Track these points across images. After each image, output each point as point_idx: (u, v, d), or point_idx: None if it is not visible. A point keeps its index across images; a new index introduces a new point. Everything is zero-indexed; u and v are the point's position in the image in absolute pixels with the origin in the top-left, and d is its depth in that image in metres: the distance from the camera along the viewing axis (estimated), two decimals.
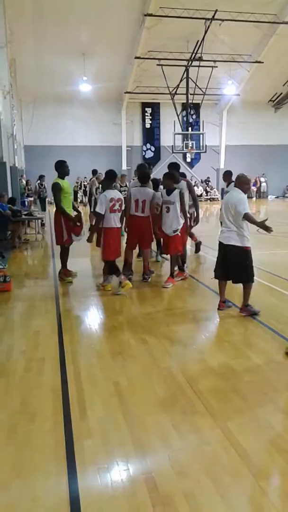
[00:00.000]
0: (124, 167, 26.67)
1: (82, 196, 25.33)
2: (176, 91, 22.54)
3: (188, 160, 28.03)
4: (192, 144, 22.95)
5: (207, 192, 27.73)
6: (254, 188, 27.95)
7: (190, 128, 24.16)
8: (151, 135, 28.23)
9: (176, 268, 6.96)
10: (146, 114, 28.02)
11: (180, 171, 7.60)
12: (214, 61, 21.08)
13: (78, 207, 8.41)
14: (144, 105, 27.69)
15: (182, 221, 6.60)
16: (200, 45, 19.71)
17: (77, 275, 7.33)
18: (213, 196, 27.23)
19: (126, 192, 8.79)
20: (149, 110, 27.93)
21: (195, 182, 27.01)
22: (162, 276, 7.22)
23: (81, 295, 6.48)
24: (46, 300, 6.15)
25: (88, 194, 12.66)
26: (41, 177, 14.90)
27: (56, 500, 2.39)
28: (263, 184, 29.27)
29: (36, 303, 6.04)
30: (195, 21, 18.26)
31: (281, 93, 27.64)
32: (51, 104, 25.56)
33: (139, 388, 3.58)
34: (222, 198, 9.35)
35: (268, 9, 18.58)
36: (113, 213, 6.31)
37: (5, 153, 12.95)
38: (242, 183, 5.26)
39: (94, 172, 12.32)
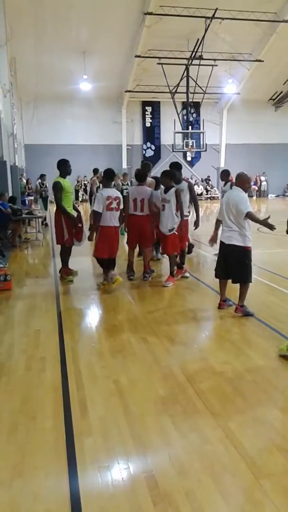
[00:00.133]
0: (125, 165, 26.65)
1: (83, 195, 25.32)
2: (176, 90, 22.52)
3: (189, 159, 27.99)
4: (193, 143, 22.94)
5: (207, 191, 27.72)
6: (254, 187, 27.93)
7: (190, 127, 24.13)
8: (151, 133, 28.20)
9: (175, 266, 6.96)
10: (146, 112, 27.98)
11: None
12: (214, 59, 21.04)
13: (79, 206, 8.40)
14: (145, 103, 27.65)
15: (177, 219, 6.56)
16: (200, 43, 19.68)
17: (77, 274, 7.33)
18: (213, 195, 27.21)
19: (127, 190, 8.75)
20: (149, 108, 27.89)
21: (195, 181, 27.00)
22: (163, 276, 7.22)
23: (81, 294, 6.48)
24: (46, 299, 6.16)
25: (89, 193, 12.65)
26: (42, 176, 14.85)
27: (57, 498, 2.40)
28: (264, 183, 29.22)
29: (37, 302, 6.04)
30: (195, 19, 18.23)
31: (282, 92, 27.59)
32: (51, 103, 25.52)
33: (140, 387, 3.59)
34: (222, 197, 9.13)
35: (268, 7, 18.55)
36: (109, 211, 6.29)
37: (5, 152, 12.95)
38: (243, 181, 5.21)
39: (95, 171, 12.30)
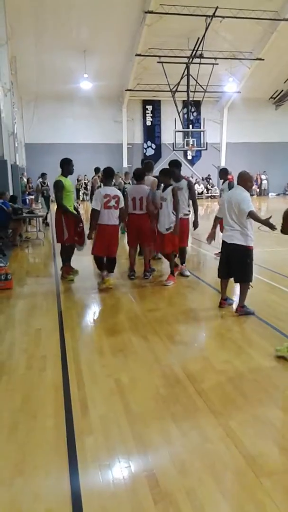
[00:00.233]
0: (125, 164, 26.65)
1: (83, 194, 25.31)
2: (176, 89, 22.49)
3: (189, 157, 27.94)
4: (193, 141, 22.91)
5: (208, 189, 27.70)
6: (255, 186, 27.90)
7: (191, 126, 24.11)
8: (152, 132, 28.17)
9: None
10: (147, 111, 27.95)
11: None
12: (215, 58, 21.01)
13: (80, 205, 8.39)
14: (145, 102, 27.62)
15: (174, 218, 6.49)
16: (200, 42, 19.66)
17: (78, 273, 7.33)
18: (214, 194, 27.18)
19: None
20: (149, 107, 27.86)
21: (196, 179, 26.99)
22: (163, 275, 7.21)
23: (82, 293, 6.49)
24: (47, 298, 6.16)
25: (90, 192, 12.65)
26: (43, 175, 14.80)
27: (58, 497, 2.40)
28: (264, 182, 29.20)
29: (37, 301, 6.04)
30: (195, 18, 18.21)
31: (282, 90, 27.56)
32: (52, 102, 25.49)
33: (141, 386, 3.59)
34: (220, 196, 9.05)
35: (269, 6, 18.52)
36: (107, 209, 6.28)
37: (6, 151, 12.93)
38: (246, 180, 5.17)
39: (97, 170, 12.30)
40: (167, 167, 6.97)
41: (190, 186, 7.10)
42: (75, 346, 4.46)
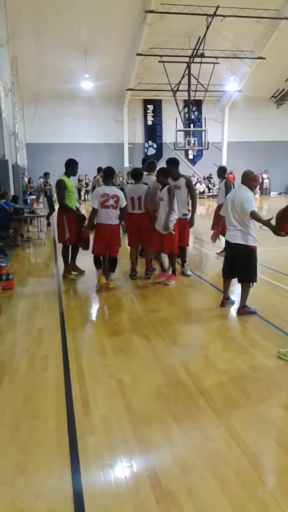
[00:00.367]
0: (126, 164, 26.63)
1: (85, 194, 25.31)
2: (178, 88, 22.48)
3: (190, 157, 27.97)
4: (194, 141, 22.89)
5: (209, 189, 27.67)
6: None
7: (192, 125, 24.09)
8: (153, 132, 28.15)
9: (163, 266, 6.90)
10: (148, 111, 27.94)
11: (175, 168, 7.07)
12: (216, 57, 21.00)
13: (81, 205, 8.39)
14: (146, 102, 27.60)
15: (172, 218, 6.41)
16: (201, 41, 19.64)
17: (84, 273, 7.35)
18: (215, 193, 27.13)
19: None
20: (151, 107, 27.84)
21: (197, 179, 26.97)
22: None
23: (84, 292, 6.49)
24: (49, 298, 6.16)
25: (91, 192, 12.64)
26: (46, 175, 14.74)
27: (60, 496, 2.40)
28: (266, 181, 29.15)
29: (39, 301, 6.05)
30: (196, 17, 18.19)
31: (283, 89, 27.53)
32: (53, 102, 25.50)
33: (142, 385, 3.58)
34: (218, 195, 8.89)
35: (270, 4, 18.50)
36: (104, 208, 6.26)
37: (7, 151, 12.94)
38: (250, 180, 5.11)
39: (99, 169, 12.30)
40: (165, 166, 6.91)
41: (189, 184, 6.94)
42: (76, 346, 4.46)
